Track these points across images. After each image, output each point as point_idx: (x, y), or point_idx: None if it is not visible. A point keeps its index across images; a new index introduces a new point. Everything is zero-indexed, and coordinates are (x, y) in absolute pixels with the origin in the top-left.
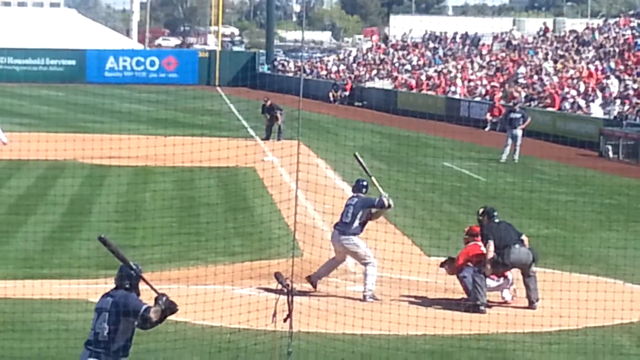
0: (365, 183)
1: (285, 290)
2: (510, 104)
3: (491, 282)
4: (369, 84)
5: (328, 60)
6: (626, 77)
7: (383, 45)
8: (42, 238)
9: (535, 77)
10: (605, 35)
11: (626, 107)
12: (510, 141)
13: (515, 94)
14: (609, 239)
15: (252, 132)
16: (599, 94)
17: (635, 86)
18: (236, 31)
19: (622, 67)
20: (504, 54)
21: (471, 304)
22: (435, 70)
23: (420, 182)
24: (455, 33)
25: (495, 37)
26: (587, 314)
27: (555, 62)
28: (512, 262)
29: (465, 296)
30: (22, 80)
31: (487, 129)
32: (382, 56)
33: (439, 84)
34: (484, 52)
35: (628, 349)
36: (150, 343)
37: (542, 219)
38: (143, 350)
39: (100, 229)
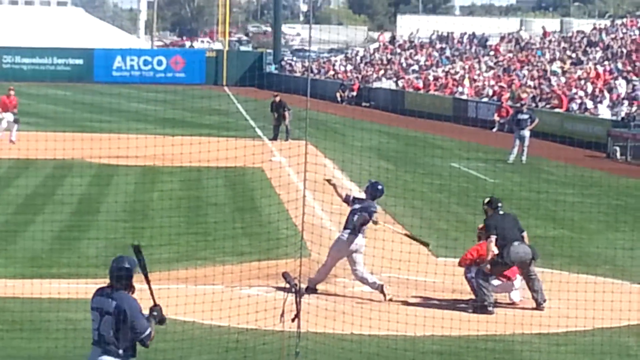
0: (381, 187)
1: (293, 290)
2: (518, 105)
3: (495, 282)
4: (376, 84)
5: (335, 61)
6: (634, 78)
7: (390, 46)
8: (50, 237)
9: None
10: (613, 36)
11: (634, 109)
12: (517, 142)
13: (523, 95)
14: (616, 240)
15: (259, 132)
16: (607, 95)
17: None
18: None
19: (629, 68)
20: (511, 55)
21: (479, 304)
22: (443, 71)
23: (428, 183)
24: (463, 33)
25: (502, 38)
26: (595, 315)
27: (563, 62)
28: (513, 261)
29: (473, 297)
30: (30, 79)
31: (494, 129)
32: (389, 56)
33: (446, 84)
34: (492, 53)
35: (636, 350)
36: (159, 343)
37: (550, 219)
38: (151, 349)
39: (108, 229)
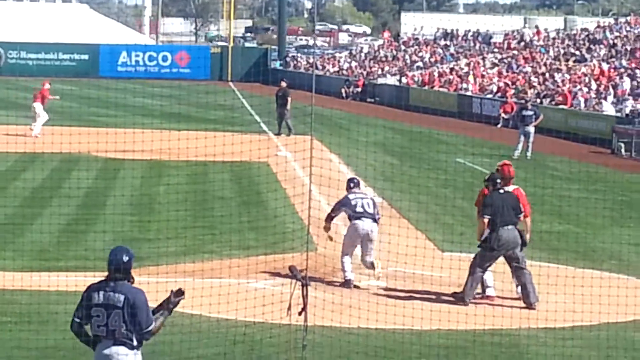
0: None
1: (300, 283)
2: (522, 101)
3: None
4: (381, 80)
5: (340, 57)
6: (638, 74)
7: (395, 43)
8: (57, 230)
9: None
10: (617, 33)
11: (638, 105)
12: (522, 138)
13: (528, 91)
14: (621, 235)
15: (264, 127)
16: (611, 91)
17: None
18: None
19: (633, 65)
20: (515, 52)
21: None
22: (447, 67)
23: (433, 178)
24: (467, 31)
25: (506, 35)
26: (601, 309)
27: (567, 60)
28: (500, 246)
29: (480, 290)
30: (36, 74)
31: (499, 125)
32: (394, 52)
33: (451, 80)
34: (496, 50)
35: None
36: (166, 335)
37: (555, 215)
38: (158, 342)
39: (115, 222)
